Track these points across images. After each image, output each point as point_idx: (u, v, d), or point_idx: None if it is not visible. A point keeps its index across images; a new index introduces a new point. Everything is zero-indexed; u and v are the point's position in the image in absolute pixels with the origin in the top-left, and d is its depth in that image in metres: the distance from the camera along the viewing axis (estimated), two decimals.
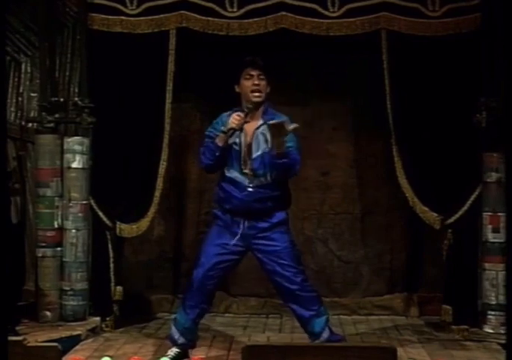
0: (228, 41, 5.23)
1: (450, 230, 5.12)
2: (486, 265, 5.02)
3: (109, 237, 5.26)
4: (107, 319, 5.21)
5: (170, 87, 5.19)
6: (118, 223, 5.25)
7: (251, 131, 4.35)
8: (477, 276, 5.09)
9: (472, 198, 5.09)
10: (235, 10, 5.17)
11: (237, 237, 4.35)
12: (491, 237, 5.00)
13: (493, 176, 5.02)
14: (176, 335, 4.47)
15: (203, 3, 5.19)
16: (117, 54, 5.26)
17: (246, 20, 5.17)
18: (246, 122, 4.28)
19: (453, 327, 5.06)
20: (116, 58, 5.25)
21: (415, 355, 4.59)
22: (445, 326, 5.15)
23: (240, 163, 4.34)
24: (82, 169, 5.21)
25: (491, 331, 4.97)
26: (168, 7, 5.21)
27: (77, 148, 5.19)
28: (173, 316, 5.25)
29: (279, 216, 4.40)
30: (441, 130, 5.10)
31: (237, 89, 4.43)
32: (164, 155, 5.23)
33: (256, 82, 4.34)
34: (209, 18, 5.19)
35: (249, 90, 4.34)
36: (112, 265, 5.27)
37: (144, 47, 5.22)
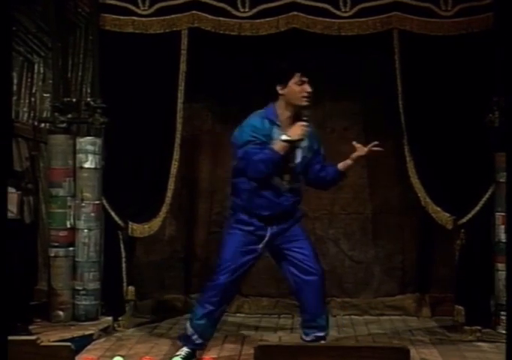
0: (239, 41, 5.23)
1: (462, 230, 5.11)
2: (499, 266, 5.00)
3: (121, 237, 5.28)
4: (119, 318, 5.23)
5: (181, 87, 5.19)
6: (130, 223, 5.26)
7: None
8: (490, 276, 5.07)
9: (485, 198, 5.07)
10: (247, 10, 5.17)
11: (265, 240, 4.36)
12: (504, 237, 4.98)
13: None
14: (190, 331, 4.44)
15: (215, 3, 5.19)
16: (129, 54, 5.27)
17: (258, 20, 5.17)
18: None
19: (466, 327, 5.05)
20: (128, 59, 5.26)
21: (427, 356, 4.58)
22: (458, 327, 5.13)
23: (280, 169, 4.32)
24: (95, 169, 5.23)
25: (504, 331, 4.93)
26: (180, 8, 5.22)
27: (90, 148, 5.21)
28: (185, 316, 5.29)
29: (298, 214, 4.48)
30: (453, 129, 5.08)
31: (280, 91, 4.31)
32: (176, 155, 5.24)
33: (309, 90, 4.27)
34: (221, 18, 5.19)
35: (301, 95, 4.28)
36: (124, 265, 5.29)
37: (156, 47, 5.23)
